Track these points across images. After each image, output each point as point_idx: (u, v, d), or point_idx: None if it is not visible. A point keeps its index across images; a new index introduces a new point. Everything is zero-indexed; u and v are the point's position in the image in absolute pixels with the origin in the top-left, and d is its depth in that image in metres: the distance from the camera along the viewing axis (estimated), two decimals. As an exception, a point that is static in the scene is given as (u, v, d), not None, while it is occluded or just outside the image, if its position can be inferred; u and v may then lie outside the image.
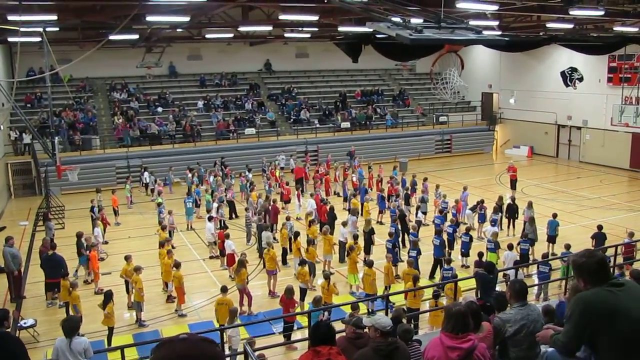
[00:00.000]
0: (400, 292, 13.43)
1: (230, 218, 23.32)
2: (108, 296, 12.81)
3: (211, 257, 19.02)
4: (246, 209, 21.55)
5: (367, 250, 17.69)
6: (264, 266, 16.43)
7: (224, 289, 13.19)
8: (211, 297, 15.05)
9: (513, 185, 27.07)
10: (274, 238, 19.00)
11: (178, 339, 1.94)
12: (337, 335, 5.55)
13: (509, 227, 20.87)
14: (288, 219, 19.28)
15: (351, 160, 30.97)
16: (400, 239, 18.78)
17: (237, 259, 15.69)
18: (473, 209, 21.04)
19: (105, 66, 33.88)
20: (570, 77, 32.12)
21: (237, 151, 33.22)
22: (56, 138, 22.02)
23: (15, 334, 10.34)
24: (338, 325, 11.78)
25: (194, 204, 24.41)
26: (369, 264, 14.67)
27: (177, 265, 14.98)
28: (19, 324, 12.93)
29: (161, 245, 16.84)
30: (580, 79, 32.25)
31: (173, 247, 18.27)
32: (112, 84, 35.04)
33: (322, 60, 40.04)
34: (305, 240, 17.00)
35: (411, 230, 18.24)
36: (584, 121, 34.77)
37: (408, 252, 16.61)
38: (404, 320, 8.25)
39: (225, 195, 24.01)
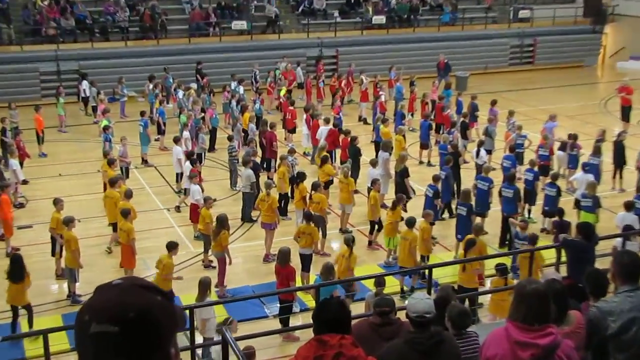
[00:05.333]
0: (446, 264, 13.73)
1: (208, 150, 24.06)
2: (15, 261, 13.27)
3: (179, 208, 19.72)
4: (230, 138, 21.98)
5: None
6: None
7: (171, 247, 14.02)
8: (178, 262, 15.49)
9: (625, 115, 27.11)
10: (271, 180, 19.61)
11: (109, 285, 2.06)
12: (356, 321, 5.59)
13: (615, 176, 21.15)
14: (291, 152, 19.95)
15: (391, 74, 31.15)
16: (453, 188, 19.35)
17: (204, 212, 16.30)
18: (563, 148, 21.20)
19: None
20: None
21: (219, 54, 33.12)
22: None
23: None
24: (358, 309, 12.02)
25: (159, 129, 24.87)
26: (408, 222, 15.10)
27: (125, 213, 15.33)
28: None
29: (112, 183, 17.29)
30: None
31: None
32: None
33: None
34: (314, 187, 17.59)
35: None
36: None
37: (456, 207, 17.28)
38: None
39: (203, 119, 24.60)
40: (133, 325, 1.95)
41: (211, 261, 16.15)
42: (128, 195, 16.52)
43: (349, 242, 14.36)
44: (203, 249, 16.52)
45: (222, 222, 15.15)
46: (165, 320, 2.03)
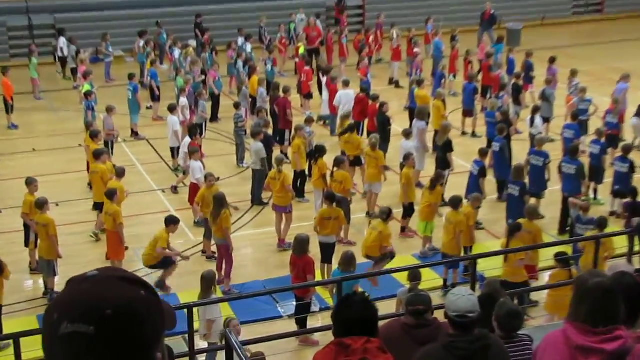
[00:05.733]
0: (493, 254, 13.62)
1: (211, 120, 24.14)
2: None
3: (176, 188, 19.86)
4: (236, 105, 21.78)
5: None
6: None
7: (170, 221, 14.80)
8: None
9: None
10: (284, 154, 19.76)
11: (83, 278, 2.08)
12: (385, 321, 5.75)
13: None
14: (309, 122, 20.05)
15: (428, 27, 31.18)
16: (510, 162, 19.12)
17: (201, 193, 16.44)
18: (639, 114, 21.19)
19: None
20: None
21: (222, 4, 33.21)
22: None
23: None
24: (388, 308, 12.11)
25: (152, 95, 24.91)
26: (453, 202, 15.26)
27: (111, 194, 15.42)
28: None
29: (96, 156, 17.29)
30: None
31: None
32: None
33: None
34: (336, 163, 17.55)
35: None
36: None
37: (507, 186, 17.27)
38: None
39: (203, 82, 24.58)
40: (110, 325, 1.95)
41: (214, 252, 16.22)
42: (119, 173, 16.62)
43: (385, 215, 14.48)
44: (204, 236, 16.53)
45: (221, 201, 15.23)
46: (150, 318, 2.03)
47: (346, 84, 22.77)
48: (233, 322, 10.98)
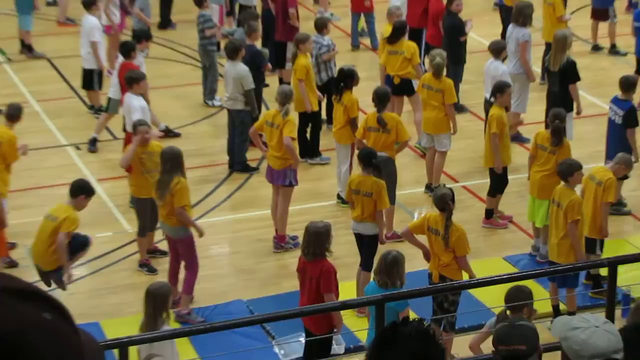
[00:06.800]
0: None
1: (160, 26, 24.46)
2: None
3: (95, 142, 19.97)
4: (200, 1, 22.23)
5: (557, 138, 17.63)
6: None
7: (78, 189, 14.75)
8: (97, 254, 16.25)
9: None
10: (285, 82, 20.19)
11: None
12: None
13: None
14: (322, 28, 20.34)
15: None
16: None
17: (139, 152, 16.47)
18: None
19: None
20: None
21: None
22: None
23: None
24: (462, 346, 12.51)
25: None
26: (568, 168, 15.03)
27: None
28: None
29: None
30: None
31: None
32: None
33: None
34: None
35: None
36: None
37: None
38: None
39: None
40: None
41: (157, 250, 16.52)
42: (11, 114, 17.01)
43: (445, 202, 13.99)
44: (139, 227, 16.55)
45: (174, 161, 15.03)
46: (55, 355, 2.05)
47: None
48: None
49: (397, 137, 16.71)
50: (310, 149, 18.87)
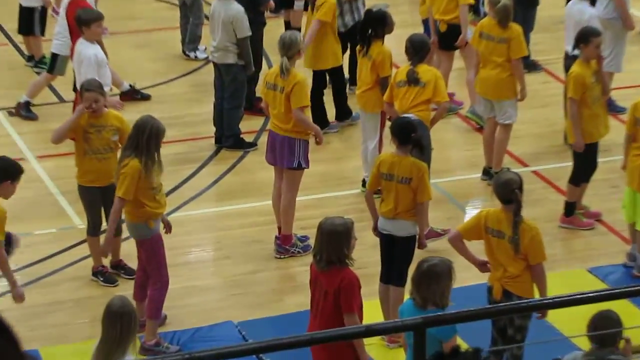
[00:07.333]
0: None
1: None
2: None
3: (28, 106, 20.35)
4: None
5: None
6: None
7: (5, 172, 14.24)
8: (39, 257, 16.36)
9: None
10: (293, 27, 20.55)
11: None
12: None
13: None
14: None
15: None
16: None
17: (84, 123, 15.86)
18: None
19: None
20: None
21: None
22: None
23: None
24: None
25: None
26: None
27: None
28: None
29: None
30: None
31: None
32: None
33: None
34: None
35: None
36: None
37: None
38: None
39: None
40: None
41: (120, 265, 16.20)
42: None
43: (512, 190, 13.14)
44: (88, 225, 16.08)
45: (142, 131, 14.31)
46: None
47: None
48: None
49: (434, 96, 16.14)
50: (323, 119, 18.68)
